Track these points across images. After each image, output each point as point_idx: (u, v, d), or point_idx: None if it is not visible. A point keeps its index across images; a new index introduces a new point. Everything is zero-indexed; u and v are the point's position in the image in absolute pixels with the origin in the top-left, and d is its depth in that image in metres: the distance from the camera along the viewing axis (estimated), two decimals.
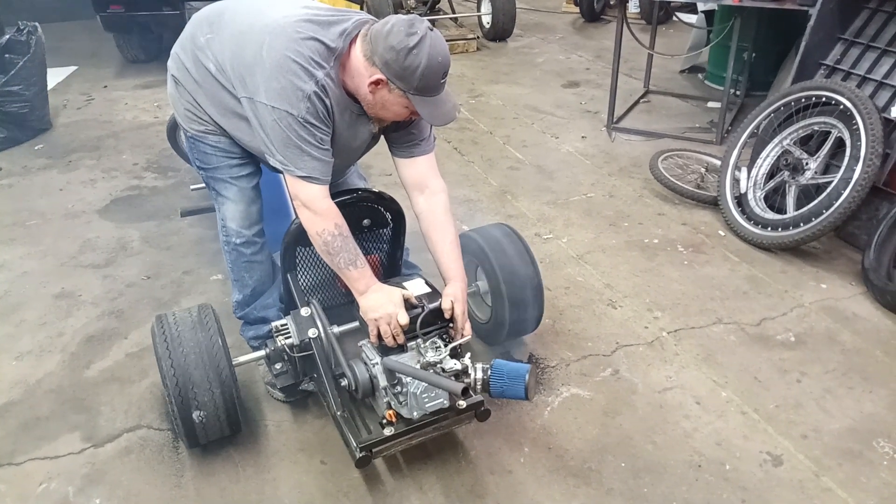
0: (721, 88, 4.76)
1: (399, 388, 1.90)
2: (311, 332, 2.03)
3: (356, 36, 1.83)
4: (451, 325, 2.00)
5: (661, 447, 2.17)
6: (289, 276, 2.21)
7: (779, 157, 3.43)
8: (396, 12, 6.41)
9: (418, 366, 1.86)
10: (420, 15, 6.17)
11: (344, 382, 1.96)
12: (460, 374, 1.85)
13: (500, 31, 7.27)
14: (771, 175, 3.48)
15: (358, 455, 1.85)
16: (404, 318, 1.89)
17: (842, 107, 3.14)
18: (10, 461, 2.14)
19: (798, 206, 3.25)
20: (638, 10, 7.95)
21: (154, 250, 3.34)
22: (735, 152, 3.58)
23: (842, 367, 2.51)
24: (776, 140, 3.45)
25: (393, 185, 2.34)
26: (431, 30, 1.76)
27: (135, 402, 2.37)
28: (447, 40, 2.41)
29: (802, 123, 3.36)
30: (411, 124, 2.04)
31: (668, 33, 7.30)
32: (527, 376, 1.76)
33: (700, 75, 5.97)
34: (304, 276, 2.27)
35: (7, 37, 4.69)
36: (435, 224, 2.08)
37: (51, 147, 4.63)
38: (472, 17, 7.84)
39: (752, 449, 2.16)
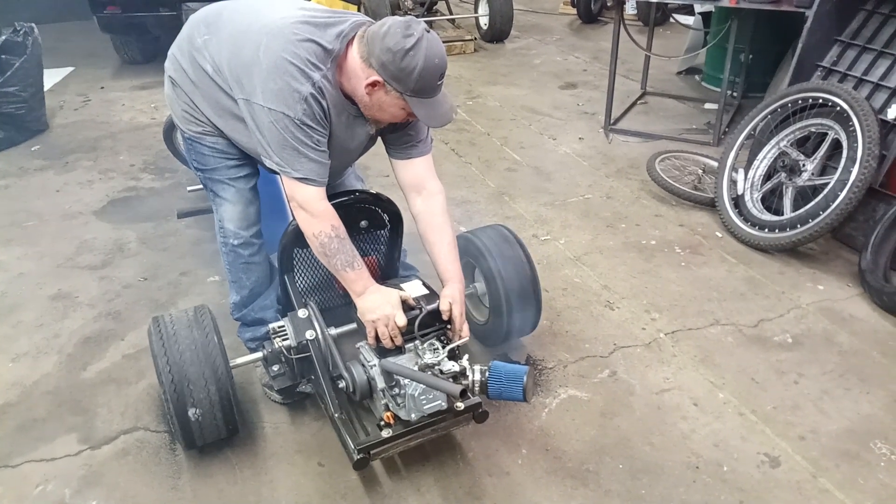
0: (718, 90, 4.77)
1: (397, 390, 1.89)
2: (309, 334, 2.02)
3: (353, 38, 1.83)
4: (448, 326, 2.00)
5: (659, 448, 2.17)
6: (286, 277, 2.21)
7: (776, 158, 3.43)
8: (394, 14, 6.42)
9: (416, 367, 1.86)
10: (417, 16, 6.18)
11: (342, 384, 1.96)
12: (458, 376, 1.84)
13: (497, 33, 7.28)
14: (768, 176, 3.48)
15: (356, 457, 1.85)
16: (402, 320, 1.89)
17: (838, 108, 3.15)
18: (6, 463, 2.13)
19: (795, 207, 3.26)
20: (635, 11, 7.96)
21: (151, 252, 3.33)
22: (732, 154, 3.58)
23: (839, 369, 2.51)
24: (773, 141, 3.46)
25: (390, 187, 2.34)
26: (428, 31, 1.76)
27: (132, 404, 2.37)
28: (444, 42, 2.42)
29: (799, 125, 3.37)
30: (408, 126, 2.04)
31: (665, 35, 7.31)
32: (525, 378, 1.76)
33: (697, 77, 5.98)
34: (301, 278, 2.27)
35: (3, 37, 4.67)
36: (432, 225, 2.08)
37: (48, 148, 4.62)
38: (469, 19, 7.85)
39: (749, 450, 2.16)
